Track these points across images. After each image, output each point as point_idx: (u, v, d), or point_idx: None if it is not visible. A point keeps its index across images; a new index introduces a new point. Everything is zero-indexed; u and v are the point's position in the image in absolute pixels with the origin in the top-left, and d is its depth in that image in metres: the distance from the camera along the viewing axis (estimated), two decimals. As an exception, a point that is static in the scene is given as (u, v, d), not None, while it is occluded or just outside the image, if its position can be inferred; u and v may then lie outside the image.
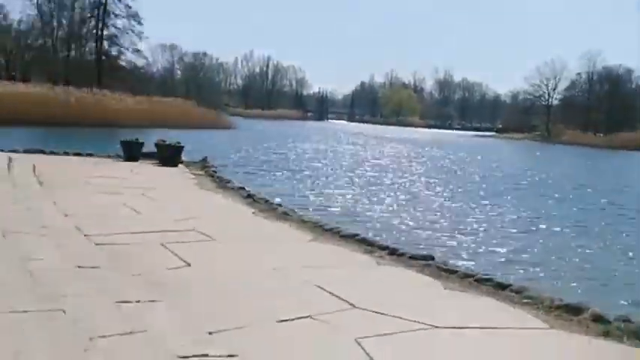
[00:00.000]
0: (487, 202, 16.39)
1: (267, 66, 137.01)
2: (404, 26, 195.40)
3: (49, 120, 34.64)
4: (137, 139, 16.58)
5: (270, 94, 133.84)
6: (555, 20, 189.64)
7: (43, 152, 16.06)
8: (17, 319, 3.38)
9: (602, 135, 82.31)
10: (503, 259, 9.42)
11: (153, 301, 4.37)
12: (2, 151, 14.34)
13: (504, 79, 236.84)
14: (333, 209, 13.10)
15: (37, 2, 61.19)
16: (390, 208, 13.99)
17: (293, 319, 4.48)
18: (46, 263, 4.74)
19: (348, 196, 15.59)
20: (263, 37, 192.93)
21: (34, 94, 40.44)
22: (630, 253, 10.61)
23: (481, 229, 12.02)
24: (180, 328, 3.89)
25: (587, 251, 10.55)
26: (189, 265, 5.84)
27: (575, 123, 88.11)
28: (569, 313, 5.18)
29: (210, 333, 3.96)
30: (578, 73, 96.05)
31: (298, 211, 10.24)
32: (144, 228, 7.41)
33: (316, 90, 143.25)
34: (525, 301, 5.50)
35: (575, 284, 8.16)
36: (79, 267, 4.90)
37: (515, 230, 12.27)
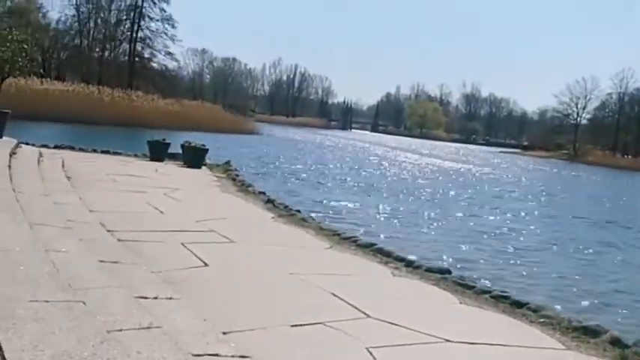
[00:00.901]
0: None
1: (295, 74, 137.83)
2: (432, 39, 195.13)
3: (80, 118, 35.24)
4: (164, 140, 16.81)
5: (295, 102, 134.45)
6: (589, 39, 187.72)
7: (72, 148, 16.36)
8: (38, 308, 3.46)
9: (630, 157, 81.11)
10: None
11: (170, 298, 4.45)
12: (33, 145, 14.61)
13: (532, 96, 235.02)
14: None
15: (76, 3, 62.41)
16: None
17: (306, 325, 4.52)
18: (69, 256, 4.84)
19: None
20: (291, 45, 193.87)
21: (68, 93, 41.24)
22: None
23: None
24: (196, 326, 3.95)
25: None
26: (207, 265, 5.92)
27: (603, 144, 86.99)
28: (586, 335, 5.12)
29: (224, 333, 4.02)
30: (609, 93, 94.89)
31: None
32: (165, 227, 7.52)
33: (341, 99, 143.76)
34: (542, 320, 5.46)
35: None
36: (100, 261, 5.00)
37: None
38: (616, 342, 4.97)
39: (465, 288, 6.24)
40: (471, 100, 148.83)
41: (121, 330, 3.45)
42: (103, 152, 16.67)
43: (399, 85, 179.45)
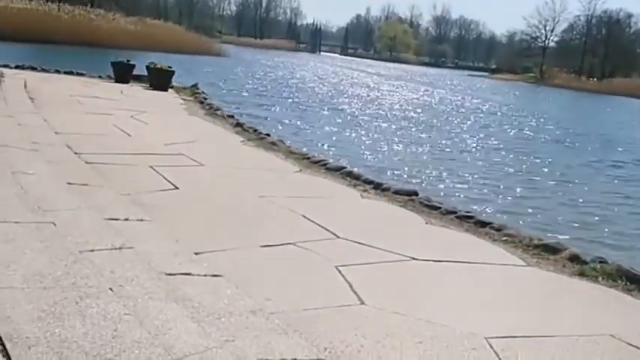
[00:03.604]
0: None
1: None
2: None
3: (41, 37, 33.97)
4: (128, 61, 16.37)
5: (263, 23, 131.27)
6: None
7: (34, 69, 15.89)
8: (9, 229, 3.46)
9: (595, 80, 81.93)
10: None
11: (141, 220, 4.47)
12: (-6, 66, 14.16)
13: (501, 18, 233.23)
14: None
15: None
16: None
17: (277, 245, 4.60)
18: (37, 178, 4.80)
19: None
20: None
21: (27, 11, 39.52)
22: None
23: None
24: (168, 247, 4.00)
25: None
26: (177, 188, 5.93)
27: (570, 66, 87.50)
28: (547, 252, 5.30)
29: (196, 253, 4.08)
30: (577, 16, 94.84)
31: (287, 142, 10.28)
32: (133, 150, 7.46)
33: (310, 21, 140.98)
34: (504, 238, 5.64)
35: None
36: (69, 183, 4.97)
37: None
38: (574, 258, 5.17)
39: (431, 209, 6.38)
40: (440, 22, 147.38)
41: (92, 250, 3.48)
42: (66, 73, 16.22)
43: (369, 7, 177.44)
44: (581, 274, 4.87)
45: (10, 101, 9.03)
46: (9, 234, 3.39)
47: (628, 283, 4.71)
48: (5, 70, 13.44)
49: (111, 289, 2.96)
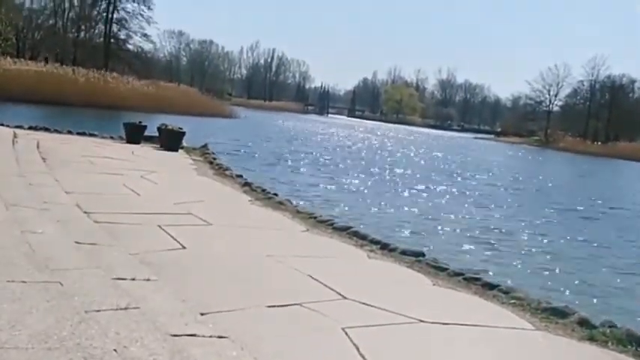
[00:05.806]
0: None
1: (272, 57, 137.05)
2: (409, 24, 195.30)
3: (54, 99, 34.75)
4: (140, 122, 16.67)
5: (272, 86, 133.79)
6: (563, 26, 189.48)
7: (47, 130, 16.20)
8: (16, 288, 3.48)
9: (600, 143, 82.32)
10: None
11: (148, 279, 4.47)
12: (8, 126, 14.44)
13: (506, 82, 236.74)
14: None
15: (50, -19, 61.04)
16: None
17: (283, 306, 4.58)
18: (46, 237, 4.84)
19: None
20: (269, 29, 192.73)
21: (42, 73, 40.63)
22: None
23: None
24: (173, 308, 3.99)
25: None
26: (184, 247, 5.94)
27: (574, 130, 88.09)
28: (555, 315, 5.24)
29: (202, 314, 4.06)
30: (581, 81, 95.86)
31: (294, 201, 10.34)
32: (142, 209, 7.51)
33: (318, 84, 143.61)
34: (513, 301, 5.57)
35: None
36: (77, 242, 5.00)
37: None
38: (584, 323, 5.10)
39: (438, 270, 6.35)
40: (446, 86, 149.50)
41: (98, 310, 3.47)
42: (78, 134, 16.52)
43: (376, 71, 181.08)
44: (591, 339, 4.79)
45: (22, 161, 9.18)
46: (16, 293, 3.41)
47: (638, 349, 4.64)
48: (19, 131, 13.72)
49: (115, 350, 2.95)
